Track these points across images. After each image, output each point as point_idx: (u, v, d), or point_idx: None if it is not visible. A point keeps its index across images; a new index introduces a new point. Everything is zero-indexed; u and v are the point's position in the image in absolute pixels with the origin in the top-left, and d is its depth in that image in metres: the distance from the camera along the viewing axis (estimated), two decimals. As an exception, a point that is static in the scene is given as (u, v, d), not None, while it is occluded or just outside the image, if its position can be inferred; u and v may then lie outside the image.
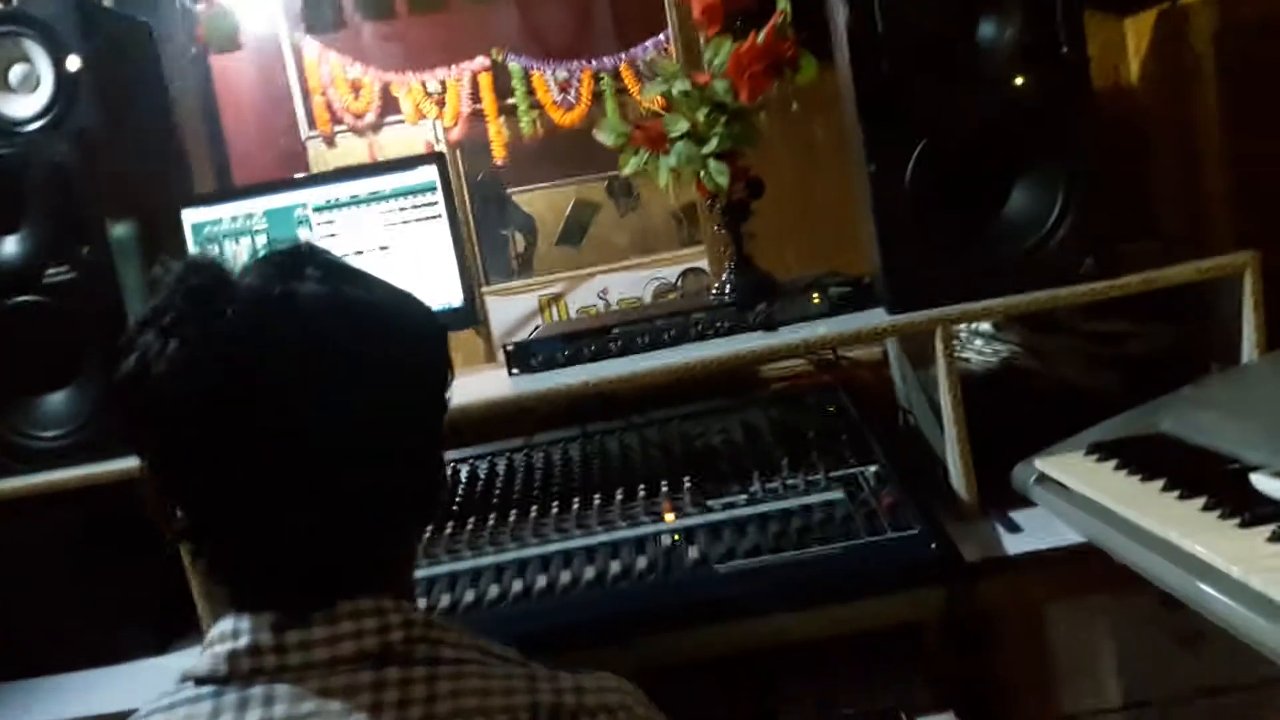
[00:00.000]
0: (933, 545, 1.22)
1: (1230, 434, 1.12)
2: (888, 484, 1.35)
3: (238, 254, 1.72)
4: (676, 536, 1.31)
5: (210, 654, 0.80)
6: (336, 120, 4.65)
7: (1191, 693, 1.31)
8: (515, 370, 1.60)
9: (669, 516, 1.36)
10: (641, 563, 1.26)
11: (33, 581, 1.53)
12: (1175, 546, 0.95)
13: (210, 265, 0.81)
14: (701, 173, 1.58)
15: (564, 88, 4.65)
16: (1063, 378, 1.59)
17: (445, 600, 1.27)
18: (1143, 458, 1.16)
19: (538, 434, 1.74)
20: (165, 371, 0.76)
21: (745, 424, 1.62)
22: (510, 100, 4.65)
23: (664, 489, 1.44)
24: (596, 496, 1.45)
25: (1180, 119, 1.86)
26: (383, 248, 1.74)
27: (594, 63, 4.65)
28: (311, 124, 4.66)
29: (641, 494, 1.44)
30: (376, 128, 4.67)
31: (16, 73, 1.54)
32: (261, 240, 1.75)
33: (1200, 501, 1.00)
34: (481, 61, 4.62)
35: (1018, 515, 1.40)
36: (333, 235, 1.74)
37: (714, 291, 1.70)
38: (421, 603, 1.25)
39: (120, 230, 1.58)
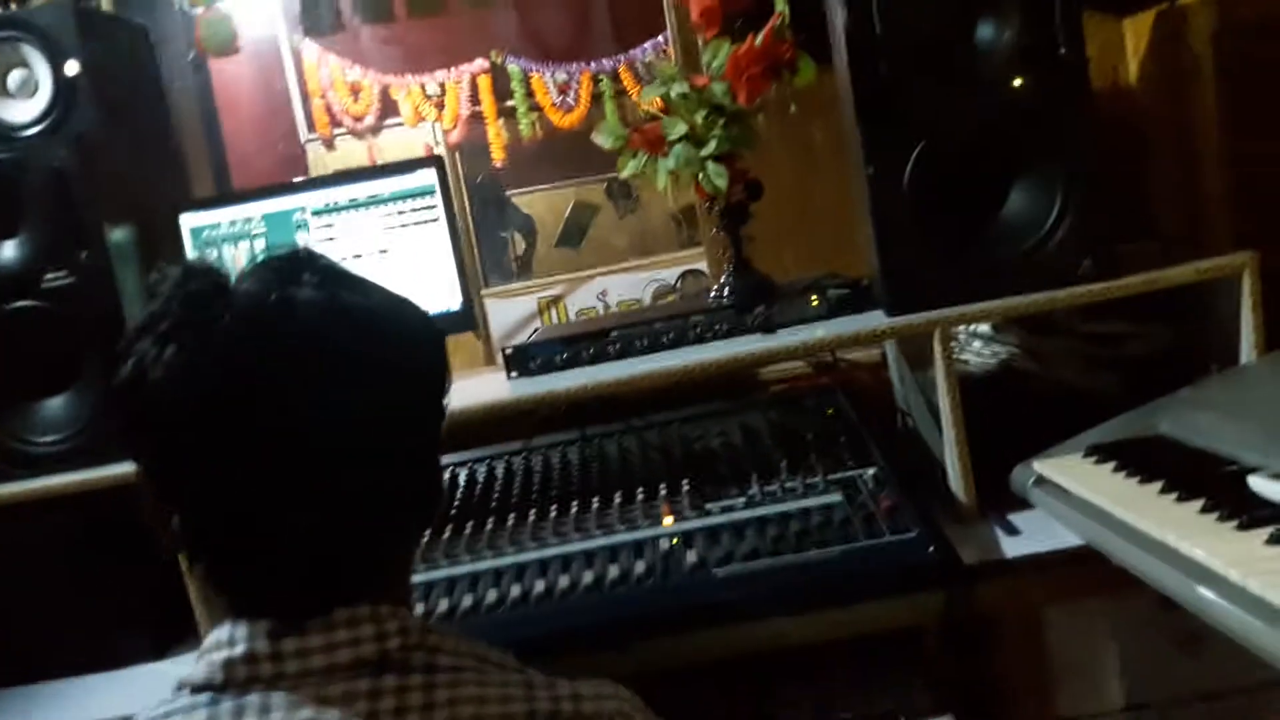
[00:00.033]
0: (931, 548, 1.21)
1: (1229, 435, 1.12)
2: (886, 487, 1.35)
3: (236, 258, 1.72)
4: (675, 540, 1.31)
5: (206, 661, 0.80)
6: (336, 123, 4.64)
7: (1190, 696, 1.31)
8: (514, 373, 1.60)
9: (667, 520, 1.36)
10: (639, 567, 1.26)
11: (31, 587, 1.53)
12: (1173, 549, 0.95)
13: (208, 271, 0.82)
14: (700, 175, 1.58)
15: (563, 90, 4.64)
16: (1061, 379, 1.59)
17: (444, 605, 1.26)
18: (1141, 460, 1.16)
19: (536, 437, 1.74)
20: (162, 377, 0.76)
21: (744, 427, 1.62)
22: (509, 102, 4.63)
23: (662, 492, 1.44)
24: (595, 500, 1.45)
25: (1179, 119, 1.86)
26: (382, 251, 1.73)
27: (593, 65, 4.64)
28: (311, 127, 4.65)
29: (640, 497, 1.44)
30: (376, 130, 4.66)
31: (15, 78, 1.54)
32: (260, 244, 1.74)
33: (1198, 504, 1.00)
34: (480, 64, 4.61)
35: (1016, 518, 1.40)
36: (331, 239, 1.74)
37: (713, 294, 1.70)
38: (420, 608, 1.25)
39: (119, 235, 1.58)
